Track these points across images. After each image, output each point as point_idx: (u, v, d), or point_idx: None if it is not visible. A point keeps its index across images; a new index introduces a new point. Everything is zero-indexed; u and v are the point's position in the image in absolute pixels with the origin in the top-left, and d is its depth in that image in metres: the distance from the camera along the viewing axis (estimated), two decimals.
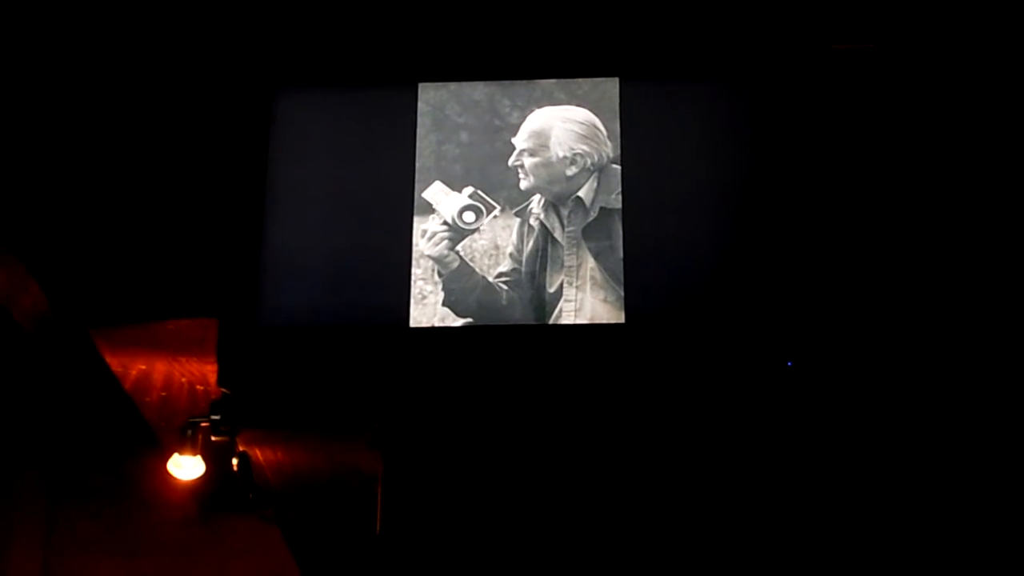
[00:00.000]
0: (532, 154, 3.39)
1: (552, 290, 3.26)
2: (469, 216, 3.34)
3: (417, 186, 3.38)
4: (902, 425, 3.52)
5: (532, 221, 3.33)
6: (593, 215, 3.32)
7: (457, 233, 3.33)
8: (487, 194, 3.37)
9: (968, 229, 3.53)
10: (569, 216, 3.33)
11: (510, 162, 3.39)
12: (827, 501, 3.50)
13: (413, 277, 3.29)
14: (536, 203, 3.35)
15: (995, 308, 3.49)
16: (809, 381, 3.27)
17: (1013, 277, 3.49)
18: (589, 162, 3.37)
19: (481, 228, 3.34)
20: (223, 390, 3.36)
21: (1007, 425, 3.47)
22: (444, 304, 3.27)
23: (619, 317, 3.22)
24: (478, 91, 3.48)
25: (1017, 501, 3.44)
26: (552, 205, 3.34)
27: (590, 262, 3.28)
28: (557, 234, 3.31)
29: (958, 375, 3.49)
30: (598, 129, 3.41)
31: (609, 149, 3.39)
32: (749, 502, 3.51)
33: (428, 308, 3.27)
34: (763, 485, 3.52)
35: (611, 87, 3.45)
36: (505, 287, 3.28)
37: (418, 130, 3.44)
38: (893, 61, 3.60)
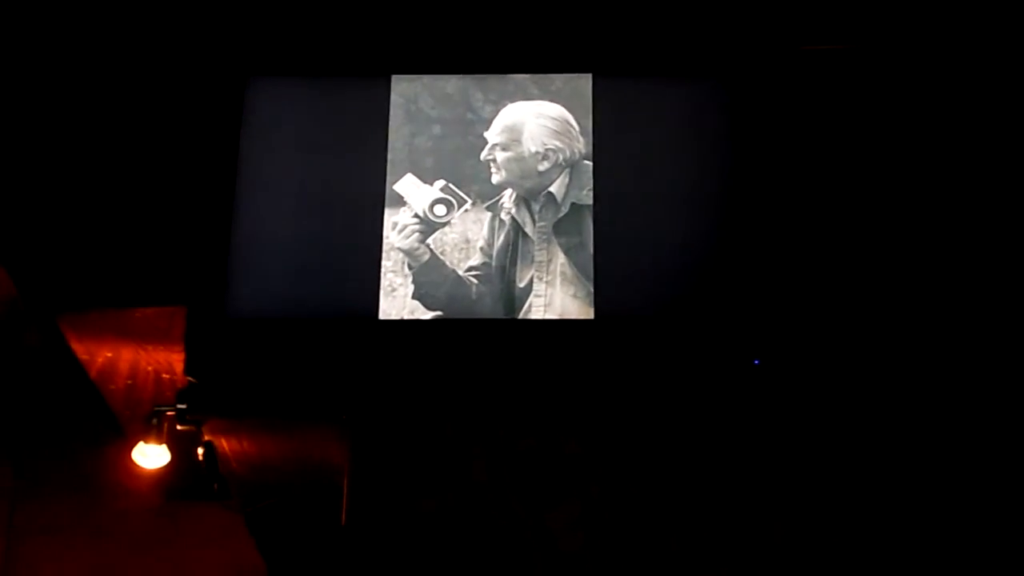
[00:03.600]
0: (504, 148, 3.39)
1: (522, 285, 3.26)
2: (440, 209, 3.34)
3: (389, 178, 3.38)
4: (873, 422, 3.54)
5: (503, 215, 3.33)
6: (564, 211, 3.33)
7: (428, 226, 3.33)
8: (458, 187, 3.36)
9: (945, 226, 3.55)
10: (540, 211, 3.33)
11: (482, 156, 3.39)
12: (800, 498, 3.52)
13: (383, 269, 3.29)
14: (507, 198, 3.35)
15: (972, 304, 3.52)
16: (778, 379, 3.29)
17: (989, 273, 3.52)
18: (561, 158, 3.38)
19: (452, 221, 3.33)
20: (190, 379, 3.35)
21: (990, 420, 3.50)
22: (414, 297, 3.27)
23: (588, 313, 3.23)
24: (451, 84, 3.48)
25: (996, 494, 3.47)
26: (523, 200, 3.35)
27: (560, 258, 3.28)
28: (528, 229, 3.31)
29: (933, 371, 3.52)
30: (571, 125, 3.41)
31: (581, 145, 3.39)
32: (718, 498, 3.53)
33: (398, 300, 3.26)
34: (732, 481, 3.53)
35: (584, 83, 3.45)
36: (475, 281, 3.28)
37: (390, 122, 3.43)
38: (869, 61, 3.62)
